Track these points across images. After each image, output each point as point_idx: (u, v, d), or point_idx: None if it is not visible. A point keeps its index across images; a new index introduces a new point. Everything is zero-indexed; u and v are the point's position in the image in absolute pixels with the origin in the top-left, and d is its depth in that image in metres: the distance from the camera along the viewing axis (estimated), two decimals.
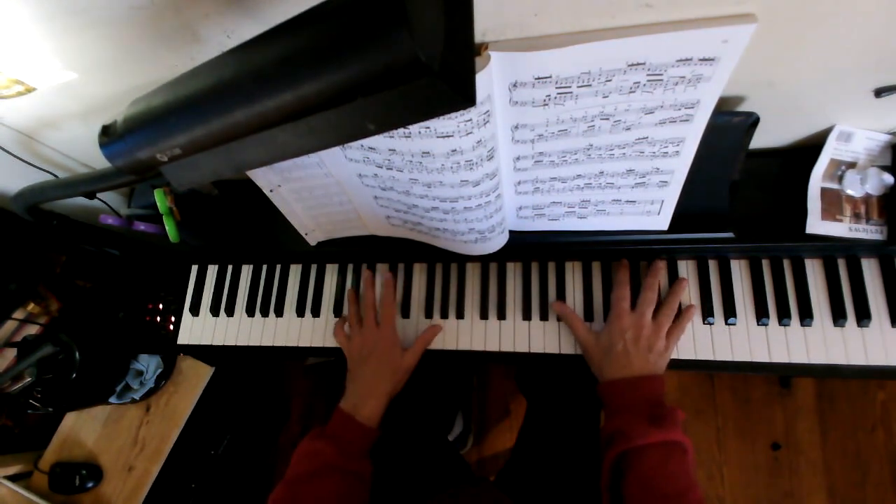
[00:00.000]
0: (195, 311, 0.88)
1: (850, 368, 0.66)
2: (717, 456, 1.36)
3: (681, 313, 0.69)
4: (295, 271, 0.86)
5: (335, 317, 0.82)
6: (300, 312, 0.83)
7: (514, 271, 0.78)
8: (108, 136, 0.40)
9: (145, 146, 0.38)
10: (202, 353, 0.95)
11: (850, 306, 0.68)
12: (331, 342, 0.81)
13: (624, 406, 0.61)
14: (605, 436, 0.62)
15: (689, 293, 0.72)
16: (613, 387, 0.63)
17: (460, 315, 0.78)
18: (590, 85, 0.50)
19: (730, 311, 0.70)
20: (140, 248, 0.93)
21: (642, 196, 0.64)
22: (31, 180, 0.59)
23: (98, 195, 0.57)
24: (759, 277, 0.71)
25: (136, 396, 0.94)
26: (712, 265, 0.73)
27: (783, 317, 0.68)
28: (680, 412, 0.60)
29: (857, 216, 0.65)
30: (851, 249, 0.69)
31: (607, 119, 0.54)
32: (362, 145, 0.57)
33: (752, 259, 0.72)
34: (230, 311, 0.86)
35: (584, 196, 0.65)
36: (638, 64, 0.48)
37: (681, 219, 0.67)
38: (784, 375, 1.34)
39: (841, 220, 0.65)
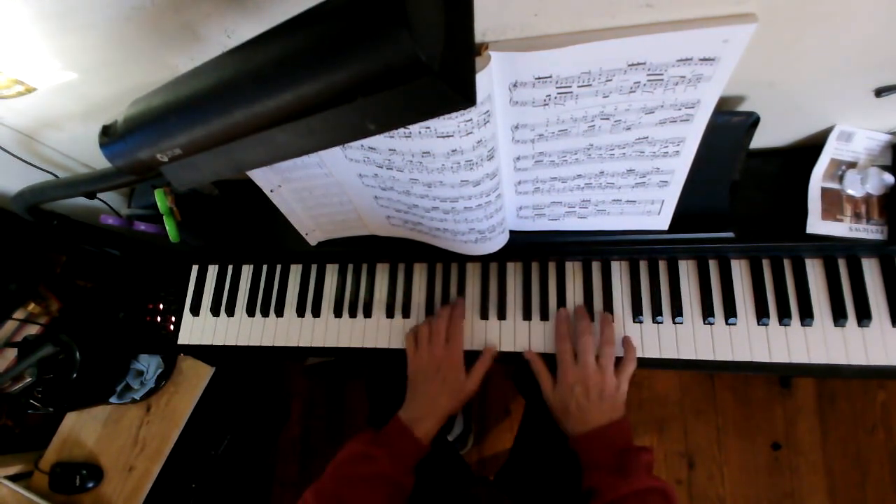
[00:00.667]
0: (195, 311, 0.88)
1: (850, 368, 0.66)
2: (717, 456, 1.36)
3: (624, 347, 0.70)
4: (295, 271, 0.86)
5: (335, 317, 0.82)
6: (300, 312, 0.83)
7: (514, 271, 0.78)
8: (109, 136, 0.40)
9: (146, 146, 0.38)
10: (202, 353, 0.95)
11: (850, 306, 0.67)
12: (332, 342, 0.81)
13: (592, 462, 0.62)
14: (583, 491, 0.63)
15: (690, 293, 0.72)
16: (578, 443, 0.64)
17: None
18: (590, 85, 0.50)
19: (730, 311, 0.70)
20: (140, 248, 0.93)
21: (642, 196, 0.64)
22: (32, 180, 0.59)
23: (98, 195, 0.57)
24: (760, 277, 0.71)
25: (137, 396, 0.94)
26: (712, 265, 0.73)
27: (784, 317, 0.68)
28: (646, 454, 0.60)
29: (857, 216, 0.65)
30: (852, 249, 0.69)
31: (607, 119, 0.54)
32: (362, 145, 0.57)
33: (753, 259, 0.72)
34: (230, 312, 0.86)
35: (585, 196, 0.65)
36: (638, 64, 0.48)
37: (681, 219, 0.67)
38: (784, 375, 1.34)
39: (841, 220, 0.65)
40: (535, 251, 0.77)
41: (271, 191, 0.68)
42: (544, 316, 0.75)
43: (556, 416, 0.68)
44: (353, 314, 0.82)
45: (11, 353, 0.87)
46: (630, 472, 0.58)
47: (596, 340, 0.69)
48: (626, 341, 0.70)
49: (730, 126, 0.60)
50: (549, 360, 0.73)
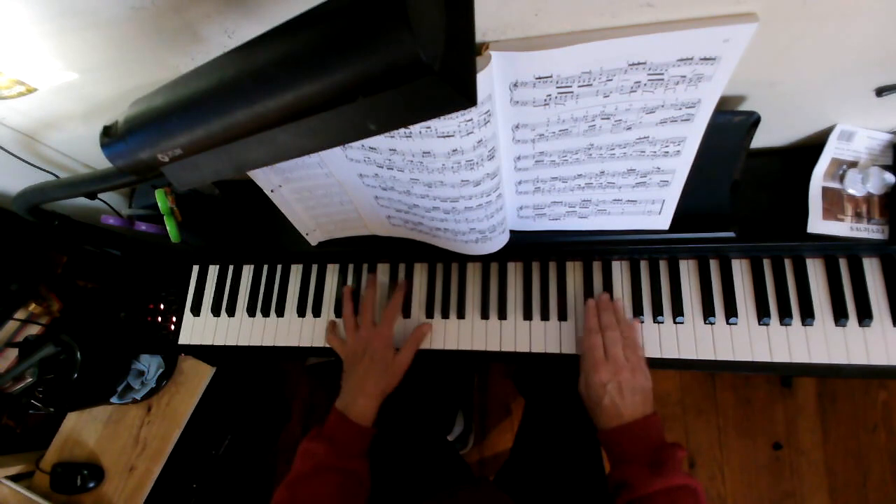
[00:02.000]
0: (196, 311, 0.88)
1: (851, 368, 0.66)
2: (718, 456, 1.36)
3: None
4: (296, 271, 0.86)
5: (337, 317, 0.82)
6: (301, 312, 0.83)
7: (514, 271, 0.78)
8: (110, 136, 0.40)
9: (146, 146, 0.38)
10: (203, 353, 0.95)
11: (851, 306, 0.67)
12: None
13: (624, 456, 0.61)
14: (611, 484, 0.62)
15: (691, 293, 0.72)
16: (611, 437, 0.63)
17: (461, 315, 0.78)
18: (591, 84, 0.50)
19: (731, 311, 0.70)
20: (141, 248, 0.93)
21: (643, 196, 0.64)
22: (33, 181, 0.59)
23: (99, 195, 0.57)
24: (761, 277, 0.71)
25: (138, 396, 0.94)
26: (713, 265, 0.73)
27: (785, 316, 0.68)
28: (681, 451, 0.60)
29: (858, 215, 0.65)
30: (853, 249, 0.69)
31: (608, 118, 0.54)
32: (363, 145, 0.57)
33: (754, 258, 0.72)
34: (231, 312, 0.86)
35: (585, 196, 0.65)
36: (639, 63, 0.48)
37: (682, 218, 0.67)
38: (785, 375, 1.34)
39: (842, 220, 0.65)
40: (536, 251, 0.77)
41: (272, 191, 0.68)
42: (545, 316, 0.75)
43: (586, 407, 0.67)
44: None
45: (12, 354, 0.87)
46: (665, 468, 0.57)
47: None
48: (632, 325, 0.70)
49: (731, 126, 0.60)
50: (551, 359, 0.73)
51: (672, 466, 0.58)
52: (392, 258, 0.83)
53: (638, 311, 0.72)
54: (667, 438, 0.62)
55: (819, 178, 0.66)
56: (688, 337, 0.70)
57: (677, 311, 0.71)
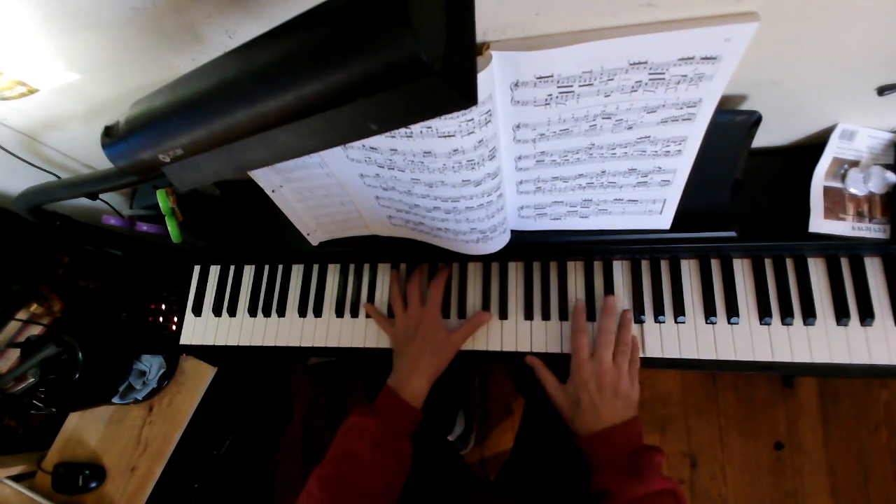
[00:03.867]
0: (198, 311, 0.88)
1: (853, 367, 0.66)
2: (719, 455, 1.35)
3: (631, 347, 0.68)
4: (297, 271, 0.87)
5: (337, 317, 0.82)
6: (302, 313, 0.83)
7: (516, 271, 0.78)
8: (111, 136, 0.40)
9: (147, 147, 0.38)
10: (205, 353, 0.95)
11: (853, 305, 0.67)
12: (333, 342, 0.81)
13: (603, 463, 0.61)
14: (592, 493, 0.62)
15: (692, 292, 0.72)
16: (589, 443, 0.63)
17: (462, 315, 0.78)
18: (591, 84, 0.50)
19: (732, 311, 0.70)
20: (142, 248, 0.93)
21: (644, 195, 0.64)
22: (34, 181, 0.59)
23: (100, 196, 0.57)
24: (762, 276, 0.70)
25: (139, 397, 0.94)
26: (714, 264, 0.73)
27: (786, 316, 0.68)
28: (659, 455, 0.60)
29: (860, 215, 0.65)
30: (854, 248, 0.69)
31: (609, 118, 0.54)
32: (364, 145, 0.57)
33: (755, 258, 0.72)
34: (232, 312, 0.86)
35: (586, 195, 0.65)
36: (640, 63, 0.48)
37: (683, 218, 0.66)
38: (787, 375, 1.34)
39: (844, 219, 0.65)
40: (537, 251, 0.77)
41: (273, 191, 0.68)
42: (546, 316, 0.75)
43: (565, 414, 0.67)
44: (354, 314, 0.82)
45: (14, 354, 0.87)
46: (644, 473, 0.58)
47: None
48: (632, 344, 0.69)
49: (732, 125, 0.60)
50: (550, 360, 0.73)
51: (651, 471, 0.58)
52: (393, 258, 0.83)
53: (639, 310, 0.72)
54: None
55: (820, 177, 0.66)
56: (689, 336, 0.70)
57: (679, 310, 0.71)
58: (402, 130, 0.51)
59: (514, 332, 0.75)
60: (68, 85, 0.57)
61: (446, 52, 0.29)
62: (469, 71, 0.34)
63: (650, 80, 0.49)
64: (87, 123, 0.67)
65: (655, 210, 0.66)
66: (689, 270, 0.73)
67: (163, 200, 0.75)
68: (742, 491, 1.33)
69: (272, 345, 0.83)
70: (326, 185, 0.67)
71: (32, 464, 0.98)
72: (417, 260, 0.82)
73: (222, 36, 0.49)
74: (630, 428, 0.62)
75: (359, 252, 0.82)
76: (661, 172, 0.61)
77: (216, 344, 0.86)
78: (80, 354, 0.82)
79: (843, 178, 0.66)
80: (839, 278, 0.68)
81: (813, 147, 0.67)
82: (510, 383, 1.47)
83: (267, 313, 0.85)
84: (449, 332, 0.74)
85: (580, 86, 0.50)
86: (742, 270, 0.72)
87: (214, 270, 0.90)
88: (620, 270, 0.75)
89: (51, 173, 0.70)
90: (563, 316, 0.75)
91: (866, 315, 0.66)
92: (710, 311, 0.70)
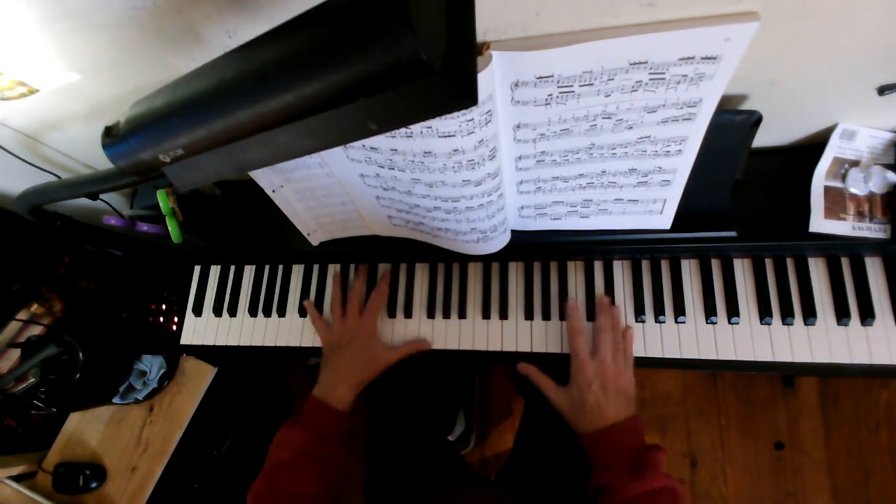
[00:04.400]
0: (198, 311, 0.88)
1: (853, 367, 0.66)
2: (720, 455, 1.35)
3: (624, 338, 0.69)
4: (297, 271, 0.87)
5: None
6: (303, 313, 0.83)
7: (516, 271, 0.78)
8: (111, 137, 0.40)
9: (148, 147, 0.38)
10: (205, 353, 0.95)
11: (853, 305, 0.67)
12: None
13: (605, 461, 0.61)
14: (591, 489, 0.62)
15: (693, 292, 0.72)
16: (592, 441, 0.63)
17: (462, 315, 0.78)
18: (592, 84, 0.50)
19: (733, 311, 0.70)
20: (143, 248, 0.93)
21: (645, 195, 0.64)
22: (35, 181, 0.59)
23: (101, 196, 0.57)
24: (762, 276, 0.70)
25: (140, 397, 0.94)
26: (715, 264, 0.73)
27: (786, 316, 0.68)
28: (661, 452, 0.60)
29: (860, 214, 0.65)
30: (855, 248, 0.68)
31: (609, 118, 0.54)
32: (364, 145, 0.57)
33: (755, 258, 0.72)
34: (233, 312, 0.86)
35: (587, 195, 0.65)
36: (640, 63, 0.48)
37: (683, 218, 0.66)
38: (787, 374, 1.34)
39: (844, 219, 0.65)
40: (537, 251, 0.77)
41: (273, 191, 0.68)
42: (546, 316, 0.75)
43: (566, 412, 0.67)
44: None
45: (15, 354, 0.87)
46: (646, 471, 0.58)
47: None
48: (626, 332, 0.70)
49: (732, 125, 0.60)
50: (547, 360, 0.73)
51: (653, 469, 0.58)
52: (393, 258, 0.83)
53: (639, 310, 0.72)
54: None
55: (821, 177, 0.66)
56: (690, 336, 0.70)
57: (679, 310, 0.71)
58: (403, 130, 0.51)
59: (515, 332, 0.75)
60: (69, 85, 0.57)
61: (446, 52, 0.29)
62: (469, 71, 0.34)
63: (650, 79, 0.49)
64: (87, 123, 0.67)
65: (656, 210, 0.66)
66: (690, 270, 0.73)
67: (163, 200, 0.75)
68: (742, 491, 1.33)
69: (272, 345, 0.83)
70: (327, 185, 0.67)
71: (33, 464, 0.98)
72: (418, 260, 0.82)
73: (222, 36, 0.49)
74: (633, 424, 0.63)
75: (359, 252, 0.82)
76: (661, 172, 0.61)
77: (216, 344, 0.86)
78: (80, 354, 0.82)
79: (843, 177, 0.65)
80: (840, 278, 0.68)
81: (813, 147, 0.67)
82: (510, 383, 1.47)
83: (267, 313, 0.85)
84: (384, 346, 0.75)
85: (580, 86, 0.50)
86: (742, 270, 0.72)
87: (215, 270, 0.90)
88: (621, 270, 0.75)
89: (51, 173, 0.70)
90: (564, 316, 0.74)
91: (867, 315, 0.66)
92: (710, 311, 0.70)
